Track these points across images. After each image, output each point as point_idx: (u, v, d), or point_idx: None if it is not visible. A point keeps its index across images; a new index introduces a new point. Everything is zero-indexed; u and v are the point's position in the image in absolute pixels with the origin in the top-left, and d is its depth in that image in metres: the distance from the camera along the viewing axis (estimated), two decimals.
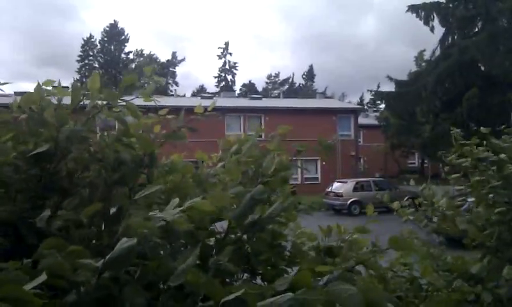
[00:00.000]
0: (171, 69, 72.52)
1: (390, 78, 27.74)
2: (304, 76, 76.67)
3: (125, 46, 69.79)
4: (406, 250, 2.34)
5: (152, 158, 1.68)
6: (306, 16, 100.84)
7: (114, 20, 70.45)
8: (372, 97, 37.11)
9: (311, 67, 76.80)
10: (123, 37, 69.13)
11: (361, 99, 71.69)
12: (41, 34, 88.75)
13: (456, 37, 25.08)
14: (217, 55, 70.27)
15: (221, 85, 70.11)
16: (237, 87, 70.58)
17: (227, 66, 70.74)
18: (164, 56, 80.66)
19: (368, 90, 60.39)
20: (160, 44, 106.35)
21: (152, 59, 72.16)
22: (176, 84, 73.20)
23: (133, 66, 70.90)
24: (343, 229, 2.24)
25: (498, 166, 2.80)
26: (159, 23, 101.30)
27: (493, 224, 2.81)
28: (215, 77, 71.51)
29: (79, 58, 67.45)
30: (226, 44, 69.93)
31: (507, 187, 2.79)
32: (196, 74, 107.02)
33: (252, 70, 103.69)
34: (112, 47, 68.55)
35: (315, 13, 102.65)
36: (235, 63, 70.91)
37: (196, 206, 1.32)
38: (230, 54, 70.63)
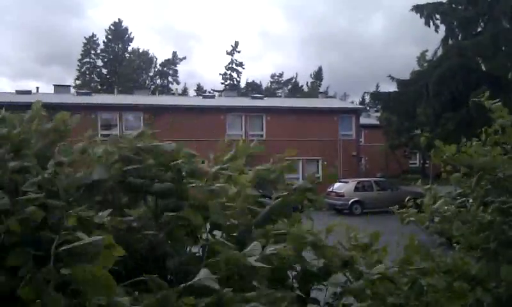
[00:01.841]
0: (172, 67, 72.40)
1: (392, 78, 27.67)
2: (312, 76, 76.45)
3: (129, 45, 69.86)
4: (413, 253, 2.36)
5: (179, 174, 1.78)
6: (312, 15, 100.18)
7: (119, 19, 70.27)
8: (370, 98, 36.85)
9: (320, 68, 76.56)
10: (127, 36, 69.18)
11: (363, 99, 71.46)
12: (47, 32, 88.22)
13: (459, 37, 25.04)
14: (227, 53, 70.12)
15: (227, 83, 70.06)
16: (243, 86, 70.47)
17: (233, 65, 70.73)
18: (169, 54, 80.00)
19: (365, 92, 60.17)
20: (166, 42, 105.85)
21: (147, 56, 71.92)
22: (177, 82, 73.14)
23: (130, 64, 70.86)
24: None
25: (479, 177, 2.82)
26: (165, 20, 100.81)
27: (490, 226, 2.80)
28: (220, 75, 71.59)
29: (80, 57, 67.47)
30: (236, 43, 70.14)
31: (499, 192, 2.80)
32: (202, 72, 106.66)
33: (258, 69, 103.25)
34: (115, 46, 68.60)
35: (322, 12, 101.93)
36: (241, 63, 70.93)
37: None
38: (238, 52, 70.66)
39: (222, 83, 70.29)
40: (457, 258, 2.82)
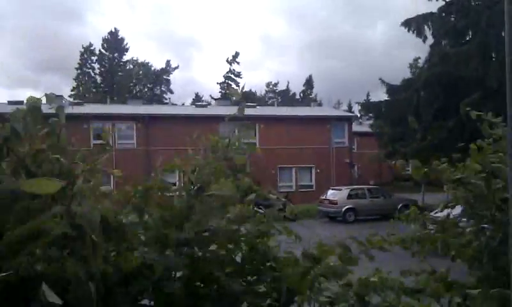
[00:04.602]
0: (165, 77, 72.41)
1: (383, 82, 27.81)
2: (304, 85, 76.66)
3: (125, 54, 69.83)
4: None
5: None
6: (311, 22, 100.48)
7: (115, 28, 70.22)
8: (360, 109, 36.64)
9: (310, 76, 76.83)
10: (122, 46, 69.24)
11: (350, 106, 71.35)
12: (45, 39, 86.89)
13: (447, 45, 25.29)
14: (227, 61, 70.04)
15: (224, 93, 70.15)
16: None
17: (232, 75, 70.91)
18: (170, 63, 79.07)
19: (356, 102, 60.10)
20: (166, 50, 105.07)
21: (146, 67, 72.05)
22: (171, 91, 73.13)
23: (123, 74, 70.78)
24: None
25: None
26: (164, 27, 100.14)
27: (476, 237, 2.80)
28: (218, 83, 71.71)
29: (77, 65, 67.34)
30: (237, 53, 70.29)
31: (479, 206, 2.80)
32: (202, 80, 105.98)
33: (256, 76, 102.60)
34: (111, 55, 68.57)
35: (321, 19, 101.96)
36: (239, 73, 71.10)
37: None
38: (238, 63, 70.93)
39: (220, 92, 70.47)
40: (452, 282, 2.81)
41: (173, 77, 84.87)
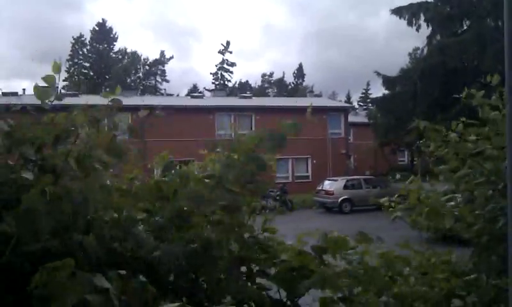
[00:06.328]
0: (160, 67, 71.91)
1: (378, 74, 27.79)
2: (294, 74, 76.47)
3: (114, 44, 69.25)
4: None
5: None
6: (310, 12, 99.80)
7: (103, 19, 69.55)
8: (361, 99, 36.49)
9: (300, 65, 76.66)
10: (111, 35, 68.67)
11: (349, 97, 71.27)
12: (43, 29, 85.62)
13: (443, 35, 25.25)
14: (219, 52, 69.84)
15: (217, 83, 69.79)
16: (233, 86, 70.20)
17: (225, 65, 70.49)
18: (168, 53, 78.04)
19: (360, 97, 59.68)
20: (163, 39, 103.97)
21: (135, 57, 71.35)
22: (166, 81, 72.78)
23: (119, 65, 70.29)
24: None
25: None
26: (163, 16, 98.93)
27: (483, 221, 2.82)
28: (211, 74, 71.38)
29: (69, 57, 66.74)
30: (228, 43, 69.97)
31: (496, 180, 2.80)
32: (200, 70, 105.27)
33: (254, 67, 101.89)
34: (100, 46, 67.97)
35: (323, 8, 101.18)
36: (233, 63, 70.68)
37: None
38: (230, 52, 70.42)
39: (213, 83, 70.09)
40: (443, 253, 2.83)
41: (170, 67, 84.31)
